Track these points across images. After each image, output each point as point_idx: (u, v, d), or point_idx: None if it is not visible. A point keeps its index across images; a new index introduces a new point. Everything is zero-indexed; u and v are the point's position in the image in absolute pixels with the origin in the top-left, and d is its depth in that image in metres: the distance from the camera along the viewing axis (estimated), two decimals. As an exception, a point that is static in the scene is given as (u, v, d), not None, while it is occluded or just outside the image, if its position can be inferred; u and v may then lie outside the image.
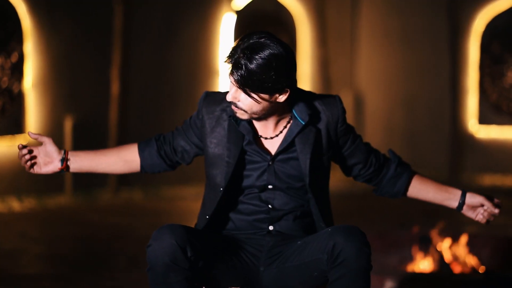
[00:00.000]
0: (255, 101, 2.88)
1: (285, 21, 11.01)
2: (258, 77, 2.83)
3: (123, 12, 9.06)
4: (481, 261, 5.62)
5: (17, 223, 7.43)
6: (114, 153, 3.22)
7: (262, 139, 3.04)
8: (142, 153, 3.17)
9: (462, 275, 5.23)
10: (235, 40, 10.26)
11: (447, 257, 5.52)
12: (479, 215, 3.18)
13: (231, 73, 2.86)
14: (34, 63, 8.46)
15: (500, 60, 10.81)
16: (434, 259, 5.55)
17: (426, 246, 5.62)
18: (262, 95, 2.87)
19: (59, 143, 8.58)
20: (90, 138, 8.98)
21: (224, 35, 10.20)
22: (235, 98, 2.90)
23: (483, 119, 11.05)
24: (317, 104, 3.05)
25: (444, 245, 5.57)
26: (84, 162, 3.17)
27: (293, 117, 3.01)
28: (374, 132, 11.99)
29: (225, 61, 2.91)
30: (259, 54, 2.83)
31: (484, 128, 11.03)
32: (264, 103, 2.90)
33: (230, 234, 3.07)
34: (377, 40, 11.98)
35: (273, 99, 2.90)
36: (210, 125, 3.05)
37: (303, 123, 2.99)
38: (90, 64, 9.01)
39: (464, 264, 5.48)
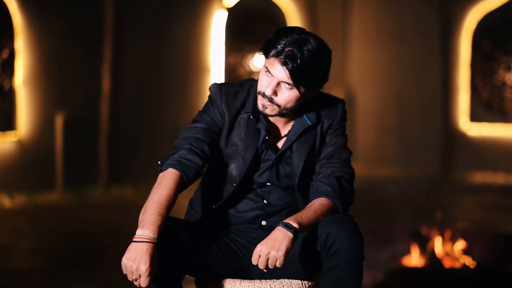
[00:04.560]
0: (301, 94, 2.87)
1: (276, 18, 11.00)
2: (311, 70, 2.83)
3: (114, 8, 9.04)
4: (473, 257, 5.63)
5: (7, 219, 7.41)
6: (173, 196, 2.82)
7: (272, 138, 3.02)
8: (189, 177, 2.89)
9: (452, 269, 5.23)
10: (227, 37, 10.26)
11: (439, 252, 5.53)
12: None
13: (284, 64, 2.82)
14: (25, 60, 8.43)
15: (491, 58, 10.82)
16: (425, 255, 5.55)
17: (418, 241, 5.63)
18: (306, 89, 2.87)
19: (50, 140, 8.57)
20: (81, 135, 8.96)
21: (216, 33, 10.19)
22: (275, 92, 2.87)
23: (475, 117, 11.06)
24: (321, 106, 3.04)
25: (436, 241, 5.58)
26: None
27: (300, 117, 3.00)
28: (365, 130, 12.01)
29: (267, 54, 2.87)
30: (310, 47, 2.83)
31: (476, 125, 11.05)
32: (303, 99, 2.90)
33: (221, 226, 3.06)
34: (369, 37, 11.99)
35: (308, 95, 2.91)
36: (229, 120, 3.00)
37: (310, 124, 2.99)
38: (81, 60, 8.98)
39: (455, 259, 5.49)
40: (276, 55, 2.84)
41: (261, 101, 2.90)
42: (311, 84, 2.86)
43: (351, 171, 3.00)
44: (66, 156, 8.69)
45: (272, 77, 2.86)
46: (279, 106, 2.88)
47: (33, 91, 8.50)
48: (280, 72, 2.83)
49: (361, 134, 12.05)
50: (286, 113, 2.93)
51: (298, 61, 2.80)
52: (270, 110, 2.90)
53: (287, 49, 2.82)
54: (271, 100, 2.87)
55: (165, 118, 9.69)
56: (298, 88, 2.85)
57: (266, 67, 2.87)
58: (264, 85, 2.88)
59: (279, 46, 2.83)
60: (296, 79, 2.82)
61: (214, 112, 3.01)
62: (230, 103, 3.00)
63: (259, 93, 2.90)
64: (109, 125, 9.10)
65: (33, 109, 8.51)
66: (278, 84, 2.86)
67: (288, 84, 2.85)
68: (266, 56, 2.88)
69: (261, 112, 2.93)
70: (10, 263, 5.72)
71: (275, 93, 2.86)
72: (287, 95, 2.87)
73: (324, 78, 2.90)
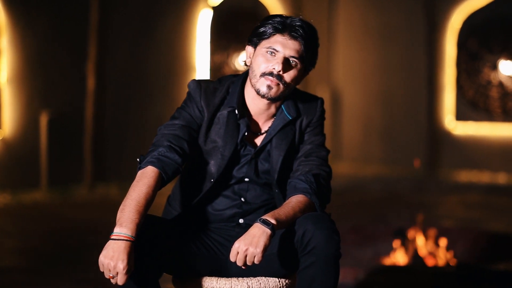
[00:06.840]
0: (302, 73, 2.94)
1: (262, 16, 10.97)
2: (315, 43, 2.93)
3: (99, 7, 9.02)
4: (455, 255, 5.64)
5: (-9, 218, 7.40)
6: (152, 194, 2.79)
7: (252, 134, 3.02)
8: (168, 174, 2.85)
9: (434, 268, 5.25)
10: (212, 36, 10.25)
11: (421, 250, 5.54)
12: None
13: (294, 34, 2.87)
14: (9, 58, 8.40)
15: (476, 57, 10.85)
16: (408, 253, 5.56)
17: (401, 240, 5.64)
18: (307, 66, 2.95)
19: (34, 139, 8.54)
20: (66, 134, 8.93)
21: (201, 31, 10.18)
22: (285, 69, 2.88)
23: (460, 116, 11.10)
24: (301, 102, 3.05)
25: (419, 239, 5.59)
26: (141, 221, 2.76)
27: (280, 111, 3.00)
28: (351, 128, 12.02)
29: (264, 35, 2.91)
30: (311, 28, 2.92)
31: (461, 124, 11.08)
32: (300, 79, 2.96)
33: (199, 224, 3.05)
34: (354, 36, 12.00)
35: (303, 75, 2.98)
36: (208, 116, 2.98)
37: (290, 118, 2.99)
38: (66, 59, 8.95)
39: (438, 257, 5.50)
40: (281, 31, 2.88)
41: (266, 82, 2.89)
42: (312, 59, 2.94)
43: (329, 169, 3.01)
44: (51, 155, 8.67)
45: (277, 55, 2.88)
46: (285, 84, 2.89)
47: (18, 89, 8.47)
48: (290, 45, 2.87)
49: (347, 133, 12.06)
50: (287, 93, 2.94)
51: (306, 29, 2.87)
52: (275, 91, 2.89)
53: (291, 24, 2.88)
54: (279, 78, 2.88)
55: (150, 117, 9.67)
56: (302, 62, 2.90)
57: (269, 47, 2.89)
58: (269, 64, 2.88)
59: (278, 24, 2.88)
60: (306, 49, 2.88)
61: (193, 109, 2.99)
62: (209, 99, 2.98)
63: (264, 74, 2.89)
64: (93, 124, 9.08)
65: (17, 108, 8.48)
66: (284, 60, 2.88)
67: (295, 58, 2.88)
68: (264, 38, 2.90)
69: (263, 96, 2.90)
70: (-7, 261, 5.71)
71: (285, 70, 2.88)
72: (293, 73, 2.89)
73: (316, 59, 2.98)
